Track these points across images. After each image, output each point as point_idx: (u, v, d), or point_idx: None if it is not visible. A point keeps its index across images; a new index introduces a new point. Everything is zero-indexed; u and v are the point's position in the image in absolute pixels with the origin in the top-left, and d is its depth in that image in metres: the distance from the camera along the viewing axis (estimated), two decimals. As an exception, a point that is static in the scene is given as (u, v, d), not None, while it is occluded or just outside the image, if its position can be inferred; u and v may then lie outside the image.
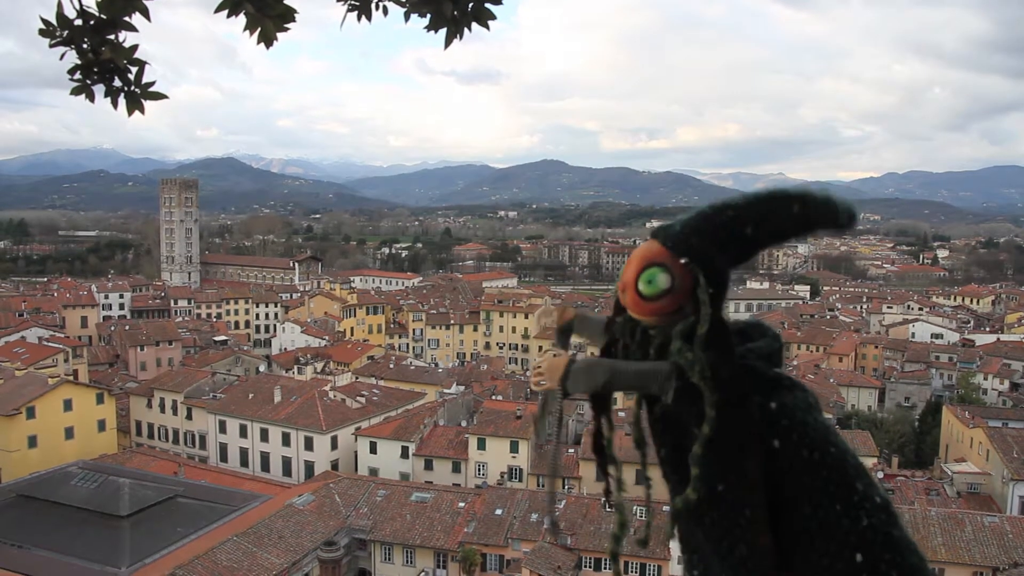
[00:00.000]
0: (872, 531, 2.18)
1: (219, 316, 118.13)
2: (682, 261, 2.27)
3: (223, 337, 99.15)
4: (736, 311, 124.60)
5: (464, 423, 59.34)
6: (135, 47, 3.30)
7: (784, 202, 2.22)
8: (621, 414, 4.07)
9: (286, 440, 59.53)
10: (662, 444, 2.55)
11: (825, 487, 2.24)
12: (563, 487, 46.53)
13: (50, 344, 78.75)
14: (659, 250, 2.33)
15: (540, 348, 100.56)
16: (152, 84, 3.38)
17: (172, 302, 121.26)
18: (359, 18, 3.79)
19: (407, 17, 3.76)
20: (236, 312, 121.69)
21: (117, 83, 3.33)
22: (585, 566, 40.91)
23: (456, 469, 56.10)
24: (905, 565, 2.21)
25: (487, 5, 3.77)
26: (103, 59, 3.24)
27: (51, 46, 3.19)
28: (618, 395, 2.81)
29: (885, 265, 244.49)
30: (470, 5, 3.75)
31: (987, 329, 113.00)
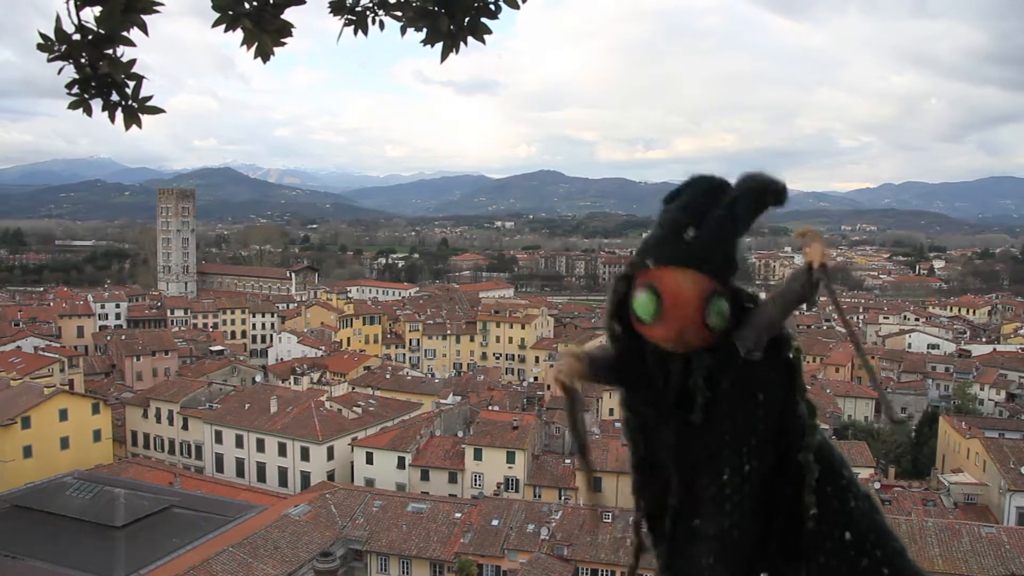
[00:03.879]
0: (859, 513, 2.41)
1: (215, 326, 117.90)
2: (732, 284, 2.43)
3: (219, 347, 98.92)
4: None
5: (461, 433, 59.22)
6: (133, 61, 3.32)
7: (766, 196, 2.48)
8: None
9: (282, 450, 59.37)
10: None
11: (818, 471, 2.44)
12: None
13: (46, 354, 78.50)
14: (710, 282, 2.40)
15: (536, 359, 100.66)
16: (149, 98, 3.39)
17: (168, 312, 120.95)
18: (356, 32, 3.81)
19: (404, 31, 3.78)
20: (232, 322, 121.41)
21: (115, 97, 3.35)
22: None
23: (452, 480, 55.98)
24: (888, 547, 2.39)
25: (483, 20, 3.80)
26: (101, 73, 3.26)
27: (49, 60, 3.20)
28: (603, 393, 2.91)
29: (881, 276, 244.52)
30: (466, 20, 3.78)
31: (983, 339, 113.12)
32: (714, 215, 2.49)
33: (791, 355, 2.56)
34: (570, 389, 2.67)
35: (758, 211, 2.50)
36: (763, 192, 2.49)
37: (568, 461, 55.71)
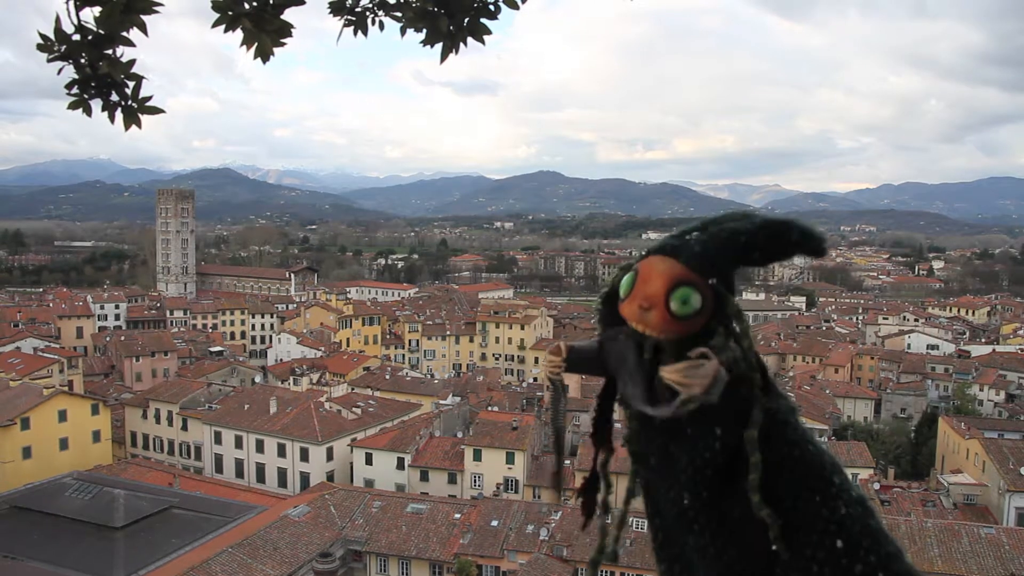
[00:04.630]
0: (850, 519, 2.37)
1: (215, 327, 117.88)
2: (711, 282, 2.40)
3: (219, 348, 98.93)
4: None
5: (460, 434, 59.21)
6: (132, 62, 3.32)
7: (787, 231, 2.43)
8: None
9: (281, 451, 59.35)
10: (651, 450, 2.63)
11: (805, 480, 2.43)
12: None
13: (45, 355, 78.49)
14: (684, 270, 2.41)
15: (536, 360, 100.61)
16: (149, 98, 3.39)
17: (168, 313, 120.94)
18: (355, 33, 3.81)
19: (403, 32, 3.78)
20: (232, 323, 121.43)
21: (114, 97, 3.35)
22: (581, 578, 40.83)
23: (452, 480, 55.96)
24: (883, 552, 2.37)
25: (483, 20, 3.81)
26: (101, 74, 3.26)
27: (49, 60, 3.20)
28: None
29: (881, 276, 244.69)
30: (466, 20, 3.78)
31: (983, 340, 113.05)
32: (721, 226, 2.51)
33: (750, 391, 2.54)
34: (555, 382, 2.73)
35: (775, 244, 2.51)
36: (785, 230, 2.51)
37: (568, 462, 55.75)
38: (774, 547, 2.41)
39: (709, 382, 2.32)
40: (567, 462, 55.55)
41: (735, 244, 2.48)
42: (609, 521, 2.83)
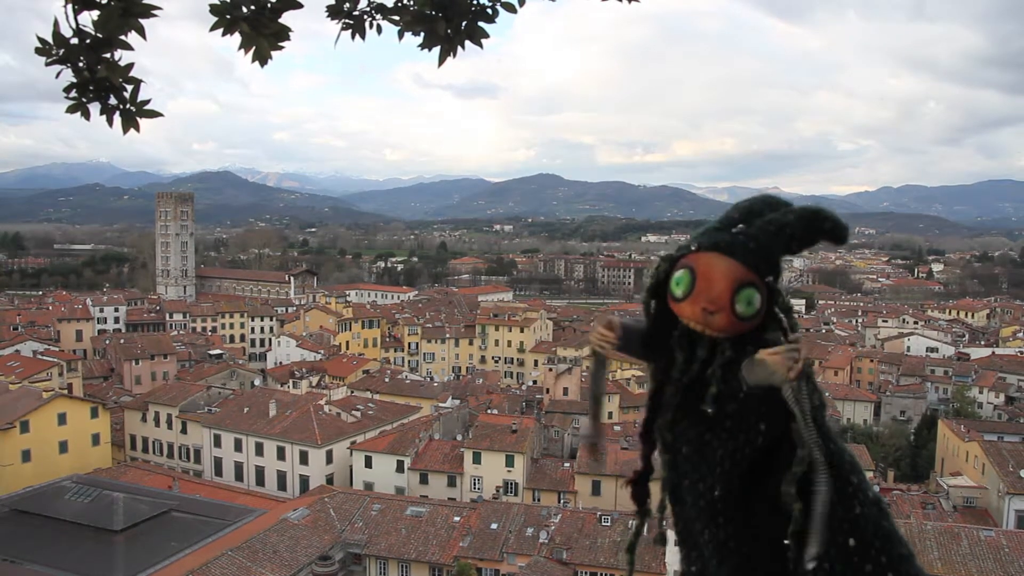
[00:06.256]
0: (864, 519, 2.42)
1: (214, 330, 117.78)
2: (767, 280, 2.45)
3: (218, 351, 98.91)
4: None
5: (459, 437, 59.22)
6: (131, 65, 3.32)
7: (821, 220, 2.48)
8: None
9: (281, 454, 59.33)
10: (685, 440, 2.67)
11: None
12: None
13: (44, 358, 78.43)
14: (745, 271, 2.46)
15: (535, 363, 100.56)
16: (147, 102, 3.39)
17: (167, 316, 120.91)
18: (353, 36, 3.81)
19: (401, 36, 3.78)
20: (231, 326, 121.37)
21: (112, 101, 3.35)
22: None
23: (451, 483, 55.96)
24: (894, 553, 2.41)
25: (480, 24, 3.81)
26: (99, 77, 3.26)
27: (47, 64, 3.21)
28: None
29: (880, 279, 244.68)
30: (463, 24, 3.78)
31: (982, 343, 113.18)
32: (766, 219, 2.56)
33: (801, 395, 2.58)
34: (599, 354, 2.78)
35: (811, 234, 2.53)
36: (820, 219, 2.53)
37: (567, 464, 55.73)
38: (787, 541, 2.43)
39: (800, 367, 2.34)
40: (566, 464, 55.60)
41: (783, 237, 2.52)
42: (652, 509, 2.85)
